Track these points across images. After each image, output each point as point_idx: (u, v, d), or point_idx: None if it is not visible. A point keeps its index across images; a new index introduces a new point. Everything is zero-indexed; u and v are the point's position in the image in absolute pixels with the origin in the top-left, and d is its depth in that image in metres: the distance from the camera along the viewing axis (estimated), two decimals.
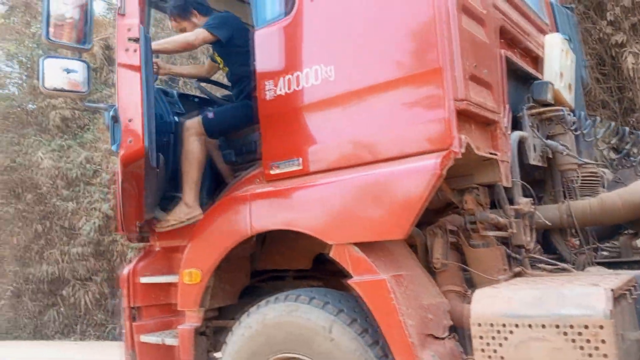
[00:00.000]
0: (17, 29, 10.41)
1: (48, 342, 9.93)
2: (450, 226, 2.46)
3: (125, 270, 3.14)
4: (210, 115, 3.09)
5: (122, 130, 2.48)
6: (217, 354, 2.87)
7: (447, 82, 1.93)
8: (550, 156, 2.71)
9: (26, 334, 10.75)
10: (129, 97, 2.52)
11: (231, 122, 3.15)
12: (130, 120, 2.50)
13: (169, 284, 3.04)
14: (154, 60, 2.98)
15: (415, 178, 1.92)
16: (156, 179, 2.84)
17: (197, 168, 3.03)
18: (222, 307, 2.89)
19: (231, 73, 3.32)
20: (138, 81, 2.51)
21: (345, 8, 2.27)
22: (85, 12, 2.96)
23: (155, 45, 3.02)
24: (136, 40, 2.52)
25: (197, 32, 3.13)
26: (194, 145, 3.03)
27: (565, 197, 2.81)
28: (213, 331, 2.88)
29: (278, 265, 3.04)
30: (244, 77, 3.14)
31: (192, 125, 3.09)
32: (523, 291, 1.87)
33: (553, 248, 2.87)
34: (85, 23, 2.95)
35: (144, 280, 3.05)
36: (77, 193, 9.40)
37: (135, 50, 2.52)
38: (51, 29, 2.82)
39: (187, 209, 2.98)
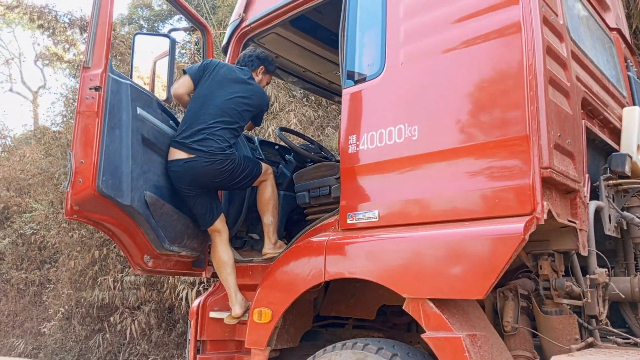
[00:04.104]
0: None
1: None
2: (522, 290, 2.48)
3: (196, 303, 3.27)
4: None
5: (73, 170, 2.64)
6: None
7: (534, 149, 2.01)
8: (625, 228, 2.71)
9: (71, 357, 10.97)
10: (83, 141, 2.68)
11: None
12: (82, 162, 2.65)
13: None
14: None
15: (500, 241, 1.96)
16: (163, 214, 3.01)
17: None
18: (282, 349, 2.95)
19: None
20: (95, 127, 2.67)
21: (433, 73, 2.39)
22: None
23: None
24: (97, 89, 2.70)
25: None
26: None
27: (638, 270, 2.78)
28: None
29: (342, 312, 3.09)
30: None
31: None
32: None
33: (621, 321, 2.82)
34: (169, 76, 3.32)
35: (213, 314, 3.17)
36: None
37: (93, 98, 2.69)
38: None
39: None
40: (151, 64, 3.35)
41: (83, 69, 2.76)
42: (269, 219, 3.33)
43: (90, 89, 2.70)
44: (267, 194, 3.35)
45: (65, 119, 12.21)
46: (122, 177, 2.76)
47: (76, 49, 13.31)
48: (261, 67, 3.48)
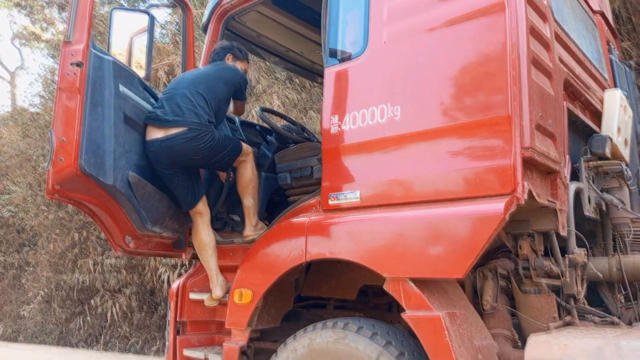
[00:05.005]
0: None
1: (73, 349, 10.06)
2: (501, 270, 2.50)
3: (175, 284, 3.24)
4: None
5: (54, 149, 2.58)
6: None
7: (515, 130, 2.00)
8: (604, 209, 2.74)
9: (51, 339, 10.90)
10: (64, 118, 2.61)
11: None
12: (63, 140, 2.59)
13: None
14: None
15: (480, 220, 1.97)
16: (145, 194, 2.97)
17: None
18: (263, 329, 2.95)
19: None
20: (76, 104, 2.60)
21: (416, 52, 2.37)
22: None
23: None
24: (79, 64, 2.62)
25: None
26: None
27: (616, 250, 2.81)
28: (254, 352, 2.93)
29: (323, 293, 3.09)
30: None
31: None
32: (580, 340, 1.89)
33: (598, 301, 2.86)
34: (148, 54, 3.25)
35: (193, 296, 3.14)
36: None
37: (75, 74, 2.62)
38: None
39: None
40: (128, 40, 3.27)
41: (64, 44, 2.67)
42: (249, 200, 3.30)
43: (71, 64, 2.61)
44: (247, 175, 3.31)
45: (43, 100, 11.97)
46: (105, 156, 2.70)
47: (54, 28, 13.02)
48: (228, 55, 3.44)
